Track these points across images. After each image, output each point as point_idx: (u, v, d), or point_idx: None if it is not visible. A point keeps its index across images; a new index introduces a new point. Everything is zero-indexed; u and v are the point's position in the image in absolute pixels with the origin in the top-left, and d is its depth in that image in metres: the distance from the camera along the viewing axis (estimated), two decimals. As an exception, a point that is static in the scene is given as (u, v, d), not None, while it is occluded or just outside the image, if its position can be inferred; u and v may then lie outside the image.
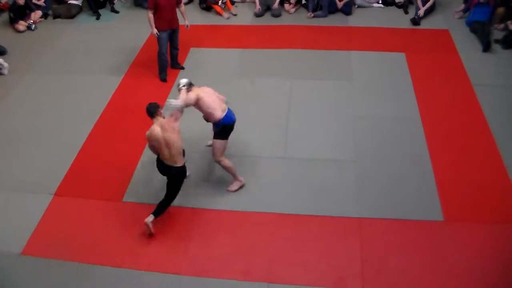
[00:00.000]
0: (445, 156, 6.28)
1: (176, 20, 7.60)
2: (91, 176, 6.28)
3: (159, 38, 7.56)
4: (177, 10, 7.57)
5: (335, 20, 9.50)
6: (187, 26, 7.76)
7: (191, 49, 8.73)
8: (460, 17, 9.29)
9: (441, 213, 5.55)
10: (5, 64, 8.42)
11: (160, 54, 7.75)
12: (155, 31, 7.45)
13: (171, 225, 5.62)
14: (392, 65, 8.08)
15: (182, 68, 8.22)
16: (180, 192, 5.57)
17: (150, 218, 5.30)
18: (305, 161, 6.34)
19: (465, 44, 8.52)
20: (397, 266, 5.04)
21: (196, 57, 8.57)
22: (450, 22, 9.23)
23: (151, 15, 7.35)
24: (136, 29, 9.27)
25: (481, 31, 8.53)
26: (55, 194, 6.05)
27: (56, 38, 9.50)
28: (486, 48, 8.25)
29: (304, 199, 5.83)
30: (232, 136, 6.23)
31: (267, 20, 9.68)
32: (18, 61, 8.73)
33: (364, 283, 4.90)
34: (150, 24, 7.43)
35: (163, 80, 7.92)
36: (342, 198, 5.82)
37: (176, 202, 5.76)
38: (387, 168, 6.18)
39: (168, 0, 7.27)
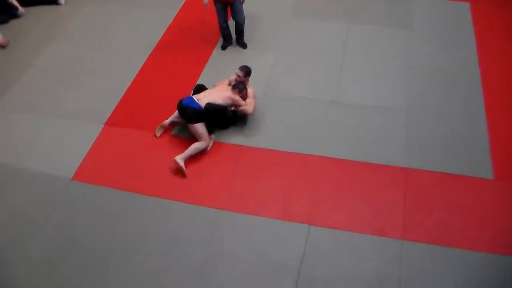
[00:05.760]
0: (502, 116, 6.03)
1: None
2: (141, 108, 6.39)
3: (215, 8, 7.02)
4: None
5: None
6: (243, 0, 7.06)
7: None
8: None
9: (491, 172, 5.40)
10: (63, -6, 8.50)
11: (219, 24, 7.23)
12: (206, 1, 6.85)
13: (219, 161, 5.71)
14: (455, 15, 7.68)
15: (245, 47, 7.44)
16: (230, 130, 5.70)
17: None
18: (356, 107, 6.24)
19: (539, -5, 7.95)
20: (438, 220, 4.98)
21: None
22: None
23: None
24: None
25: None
26: (106, 124, 6.21)
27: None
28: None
29: (352, 144, 5.79)
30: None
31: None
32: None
33: (404, 233, 4.88)
34: None
35: (222, 48, 7.41)
36: (390, 146, 5.73)
37: (225, 139, 5.88)
38: (439, 120, 6.01)
39: None
